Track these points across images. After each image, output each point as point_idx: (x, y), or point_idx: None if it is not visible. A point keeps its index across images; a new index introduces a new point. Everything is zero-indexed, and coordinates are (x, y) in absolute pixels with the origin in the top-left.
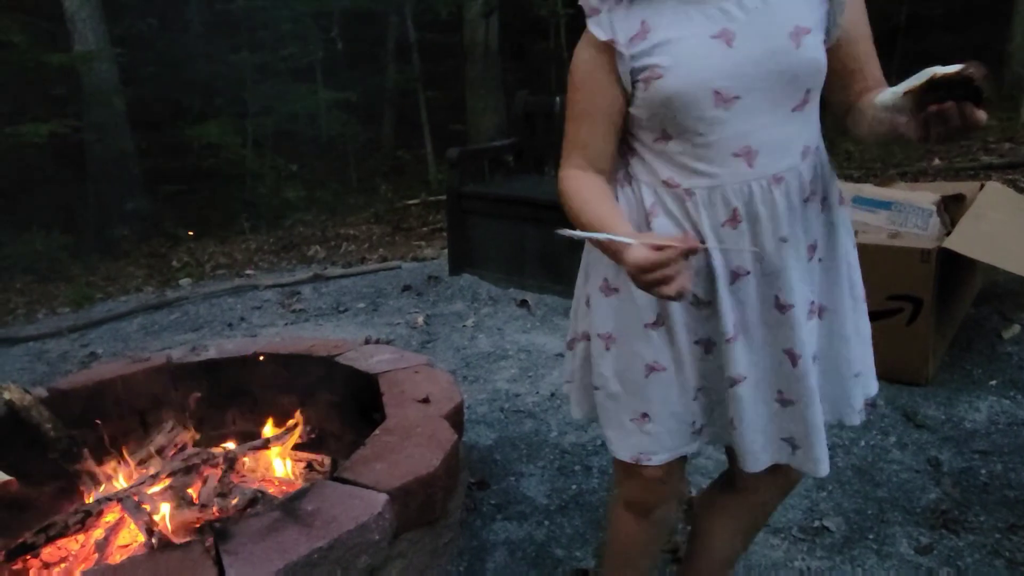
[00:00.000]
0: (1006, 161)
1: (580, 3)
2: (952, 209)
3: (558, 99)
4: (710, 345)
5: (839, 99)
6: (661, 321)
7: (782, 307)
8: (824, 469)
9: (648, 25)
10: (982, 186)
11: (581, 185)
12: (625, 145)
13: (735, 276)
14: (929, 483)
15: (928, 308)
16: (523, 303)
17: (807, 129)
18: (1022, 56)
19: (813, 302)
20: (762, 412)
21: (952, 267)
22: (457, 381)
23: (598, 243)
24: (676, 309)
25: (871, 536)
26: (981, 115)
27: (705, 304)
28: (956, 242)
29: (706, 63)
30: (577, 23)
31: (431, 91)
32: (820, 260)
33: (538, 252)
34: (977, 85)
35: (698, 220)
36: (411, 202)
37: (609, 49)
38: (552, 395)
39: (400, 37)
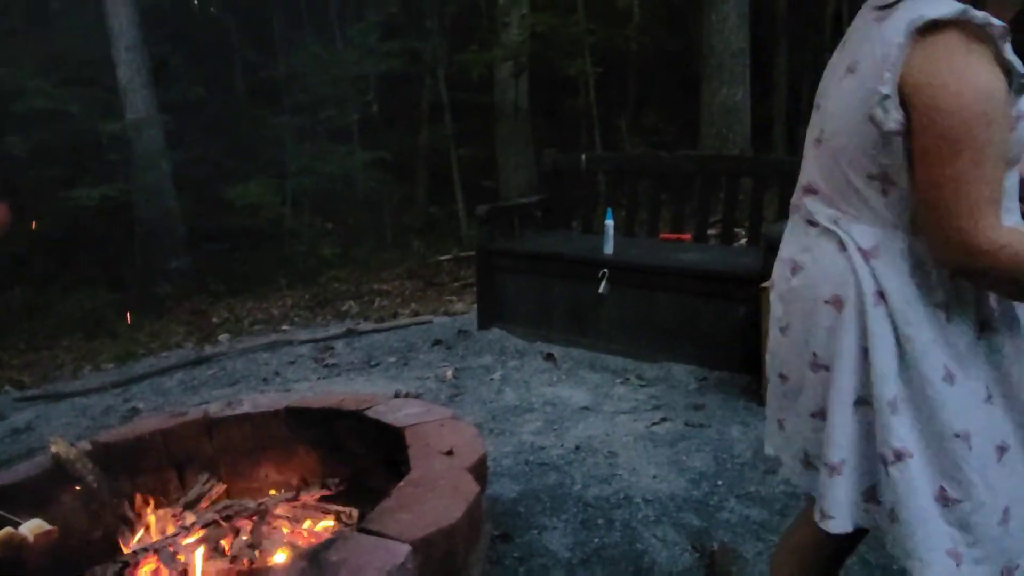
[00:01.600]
0: None
1: (986, 27)
2: None
3: (583, 156)
4: None
5: None
6: (990, 392)
7: None
8: None
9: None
10: None
11: None
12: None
13: None
14: None
15: None
16: (549, 356)
17: None
18: None
19: None
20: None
21: None
22: (483, 434)
23: None
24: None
25: None
26: None
27: None
28: None
29: None
30: (605, 81)
31: (463, 149)
32: None
33: (565, 306)
34: None
35: None
36: (443, 257)
37: (1004, 81)
38: (576, 448)
39: (433, 97)
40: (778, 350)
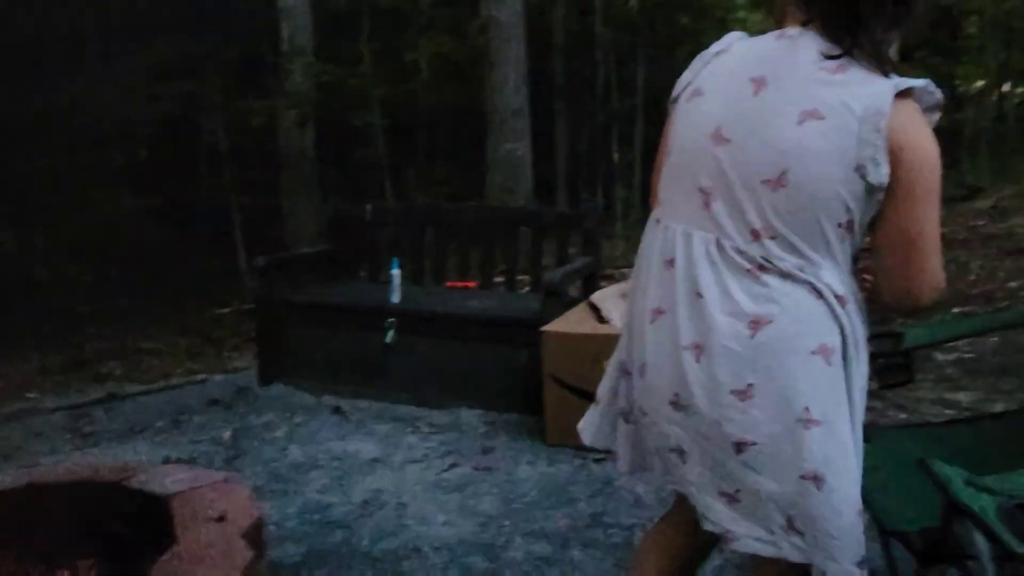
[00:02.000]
0: None
1: (933, 99)
2: None
3: (369, 207)
4: None
5: None
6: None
7: None
8: None
9: None
10: None
11: None
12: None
13: None
14: None
15: None
16: (337, 410)
17: None
18: None
19: None
20: None
21: None
22: (264, 496)
23: None
24: None
25: None
26: None
27: None
28: None
29: None
30: (395, 132)
31: (246, 197)
32: None
33: (353, 357)
34: None
35: None
36: (222, 311)
37: None
38: (365, 502)
39: (213, 143)
40: (735, 415)
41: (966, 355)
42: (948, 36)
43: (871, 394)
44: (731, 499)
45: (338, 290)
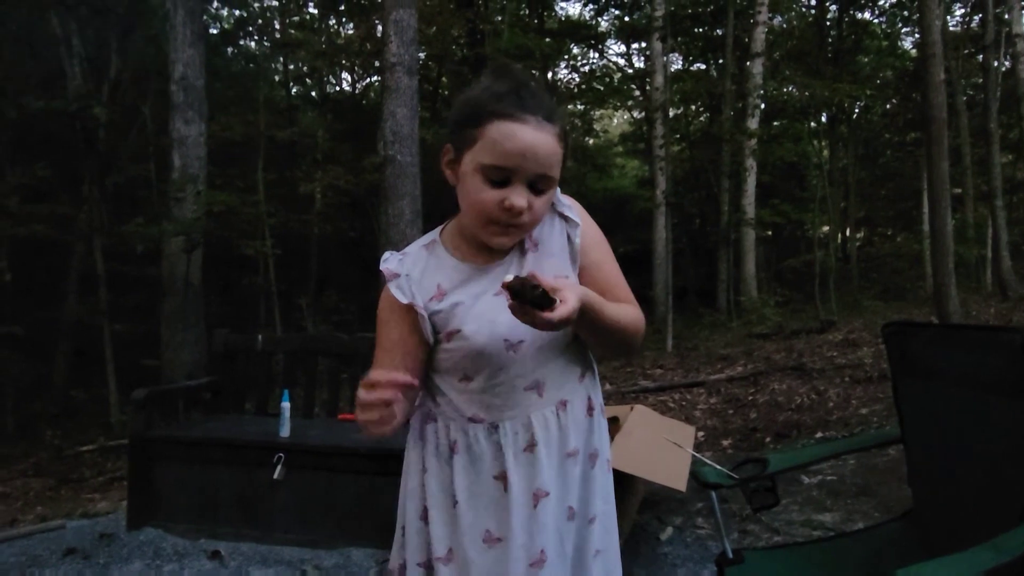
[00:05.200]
0: (657, 385)
1: (381, 268)
2: (609, 430)
3: (260, 337)
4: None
5: None
6: (451, 558)
7: (573, 515)
8: None
9: (443, 288)
10: (632, 408)
11: None
12: (430, 383)
13: (536, 499)
14: None
15: None
16: (215, 554)
17: (582, 357)
18: (663, 296)
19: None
20: None
21: (616, 481)
22: None
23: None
24: (469, 546)
25: None
26: (542, 316)
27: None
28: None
29: (495, 318)
30: (286, 260)
31: (120, 324)
32: (594, 467)
33: (234, 496)
34: (521, 293)
35: (505, 449)
36: (85, 448)
37: (410, 307)
38: None
39: (86, 267)
40: None
41: (829, 477)
42: (797, 187)
43: (746, 518)
44: None
45: (222, 424)
